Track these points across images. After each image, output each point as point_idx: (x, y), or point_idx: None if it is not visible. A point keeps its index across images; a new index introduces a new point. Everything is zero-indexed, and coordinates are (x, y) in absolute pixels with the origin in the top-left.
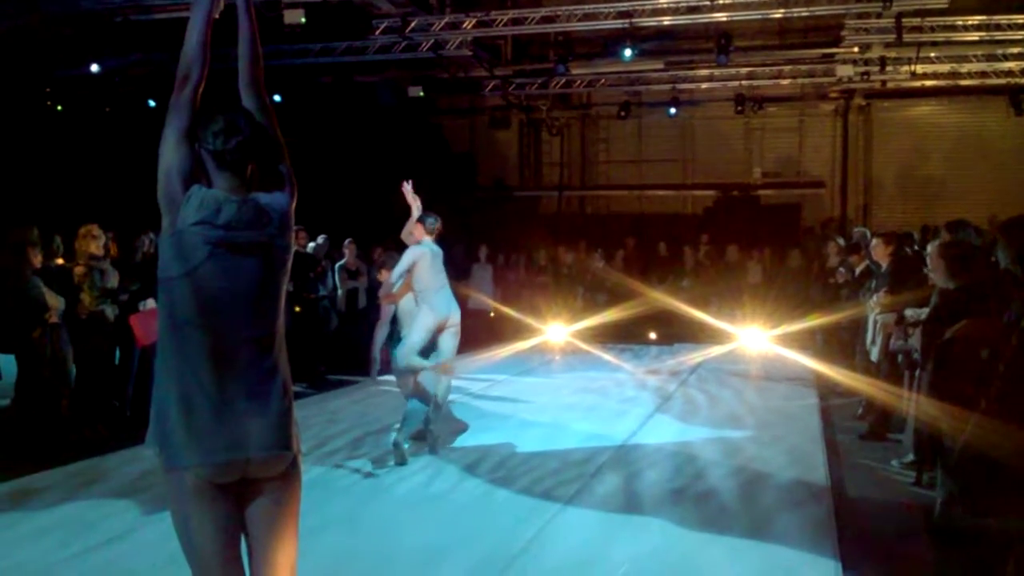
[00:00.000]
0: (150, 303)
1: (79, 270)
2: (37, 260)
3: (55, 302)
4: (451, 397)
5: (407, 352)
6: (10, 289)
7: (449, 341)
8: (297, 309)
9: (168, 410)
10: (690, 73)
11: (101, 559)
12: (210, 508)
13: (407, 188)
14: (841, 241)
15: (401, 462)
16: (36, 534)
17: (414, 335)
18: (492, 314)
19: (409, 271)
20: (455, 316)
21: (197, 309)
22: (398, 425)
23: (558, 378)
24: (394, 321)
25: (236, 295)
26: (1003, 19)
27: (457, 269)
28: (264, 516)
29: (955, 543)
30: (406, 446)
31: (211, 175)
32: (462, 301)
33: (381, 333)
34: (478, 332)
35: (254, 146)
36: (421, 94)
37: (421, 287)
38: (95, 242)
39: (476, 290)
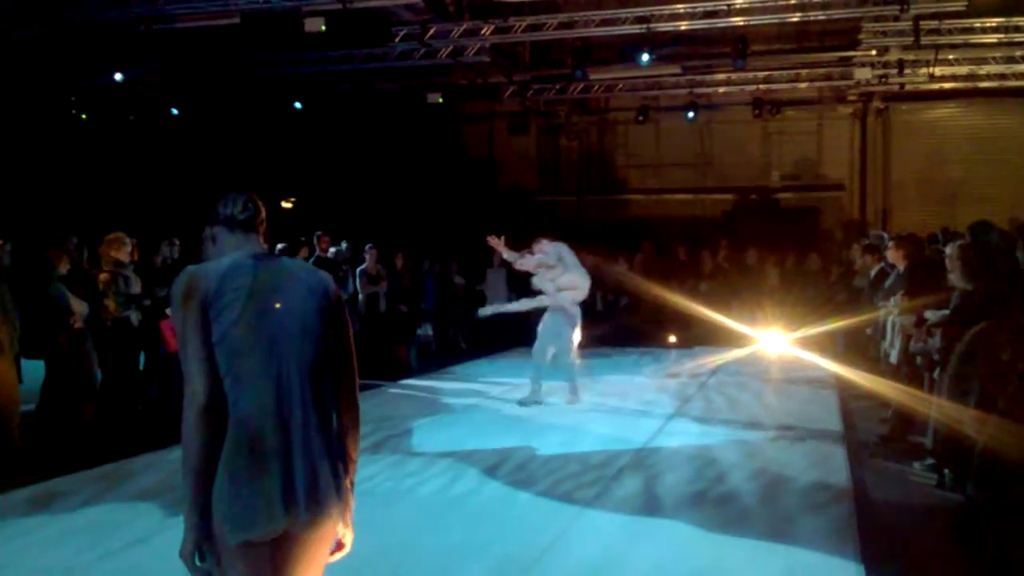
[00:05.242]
0: None
1: (104, 276)
2: (64, 266)
3: (80, 307)
4: (473, 401)
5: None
6: (36, 294)
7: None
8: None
9: None
10: (707, 77)
11: (125, 562)
12: None
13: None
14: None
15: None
16: (60, 537)
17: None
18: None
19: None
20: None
21: None
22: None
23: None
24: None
25: None
26: (1021, 21)
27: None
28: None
29: (976, 545)
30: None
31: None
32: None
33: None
34: (497, 334)
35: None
36: (440, 100)
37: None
38: (123, 249)
39: (491, 294)
